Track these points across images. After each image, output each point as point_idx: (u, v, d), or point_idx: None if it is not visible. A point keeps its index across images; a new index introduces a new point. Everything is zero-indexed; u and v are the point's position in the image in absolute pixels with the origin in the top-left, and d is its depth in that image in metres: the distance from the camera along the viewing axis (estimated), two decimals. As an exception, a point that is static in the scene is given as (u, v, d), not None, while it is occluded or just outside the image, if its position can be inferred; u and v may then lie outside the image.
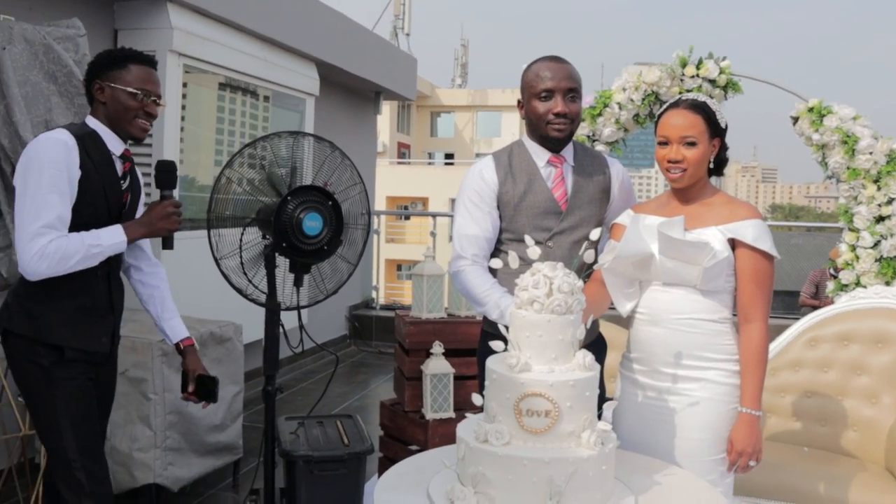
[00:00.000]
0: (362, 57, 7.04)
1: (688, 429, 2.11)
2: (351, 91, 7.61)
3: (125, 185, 2.37)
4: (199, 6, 4.55)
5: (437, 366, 3.58)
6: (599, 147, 4.44)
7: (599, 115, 4.39)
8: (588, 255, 1.79)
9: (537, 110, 2.37)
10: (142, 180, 2.55)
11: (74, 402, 2.25)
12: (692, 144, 2.12)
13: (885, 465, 3.11)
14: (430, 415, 3.59)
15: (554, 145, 2.40)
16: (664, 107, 2.22)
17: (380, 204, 26.23)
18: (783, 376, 3.42)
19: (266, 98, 5.68)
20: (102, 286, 2.34)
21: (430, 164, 34.66)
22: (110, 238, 2.23)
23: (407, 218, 26.27)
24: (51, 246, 2.11)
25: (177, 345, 2.61)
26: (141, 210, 2.48)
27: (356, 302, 7.86)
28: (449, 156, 36.34)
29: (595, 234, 1.88)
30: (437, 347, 3.60)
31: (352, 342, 7.67)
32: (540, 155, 2.43)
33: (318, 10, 6.27)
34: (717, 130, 2.16)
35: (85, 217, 2.22)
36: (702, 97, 2.20)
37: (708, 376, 2.12)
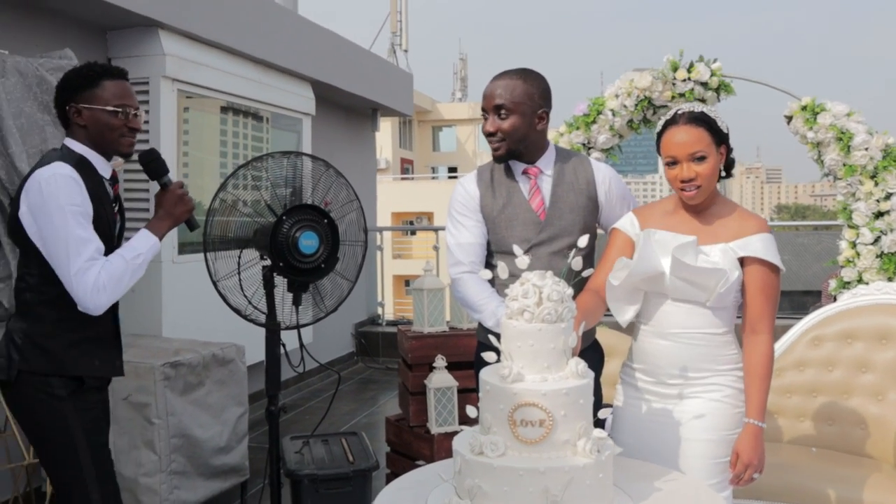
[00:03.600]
0: (357, 75, 7.08)
1: (695, 430, 2.09)
2: (348, 109, 7.65)
3: (116, 207, 2.35)
4: (191, 32, 4.58)
5: (441, 379, 3.57)
6: (595, 154, 4.44)
7: (593, 122, 4.40)
8: (576, 263, 1.79)
9: (482, 128, 2.44)
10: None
11: (95, 432, 2.24)
12: (702, 159, 2.08)
13: (894, 463, 3.08)
14: (435, 429, 3.58)
15: (498, 161, 2.44)
16: (662, 123, 2.17)
17: (384, 220, 26.30)
18: (788, 377, 3.40)
19: (266, 119, 5.71)
20: (108, 312, 2.28)
21: (433, 178, 34.73)
22: (144, 244, 2.23)
23: (413, 233, 26.29)
24: (102, 276, 2.12)
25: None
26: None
27: (362, 319, 7.86)
28: (452, 169, 36.39)
29: (583, 241, 1.87)
30: (440, 361, 3.59)
31: (358, 359, 7.67)
32: (516, 166, 2.45)
33: (311, 30, 6.30)
34: (721, 137, 2.12)
35: None
36: (698, 107, 2.15)
37: (715, 381, 2.12)
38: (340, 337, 7.41)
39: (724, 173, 2.18)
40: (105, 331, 2.31)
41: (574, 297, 1.77)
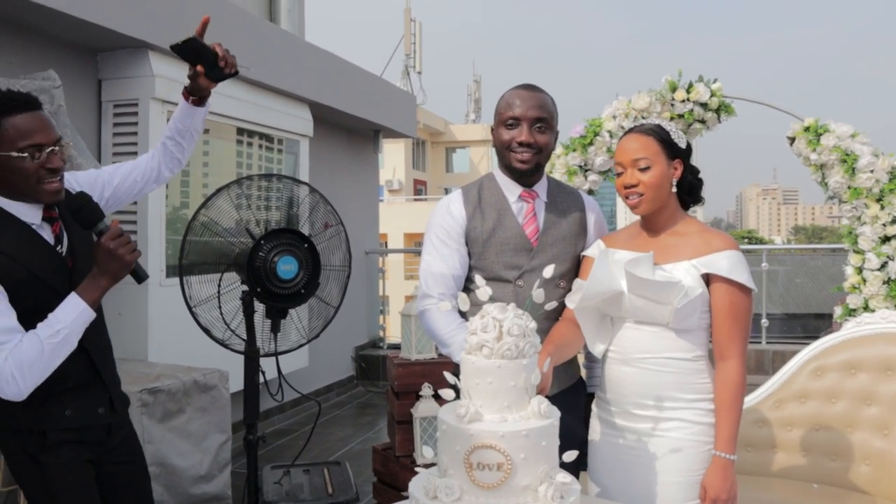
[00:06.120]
0: (358, 96, 7.02)
1: (663, 472, 1.98)
2: (349, 131, 7.59)
3: (63, 248, 2.04)
4: (182, 52, 4.53)
5: (427, 408, 3.46)
6: (592, 177, 4.34)
7: (590, 144, 4.30)
8: (538, 295, 1.68)
9: (503, 137, 2.27)
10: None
11: (68, 491, 2.01)
12: (647, 168, 2.03)
13: (899, 500, 2.93)
14: (420, 460, 3.46)
15: (518, 176, 2.30)
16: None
17: (397, 241, 26.26)
18: (789, 409, 3.26)
19: (261, 141, 5.64)
20: (80, 361, 2.05)
21: (446, 199, 34.68)
22: (69, 314, 1.89)
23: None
24: (7, 365, 1.82)
25: (187, 96, 2.34)
26: None
27: (362, 342, 7.75)
28: (465, 190, 36.34)
29: (548, 271, 1.77)
30: (427, 389, 3.49)
31: (358, 383, 7.55)
32: (511, 189, 2.32)
33: (307, 50, 6.25)
34: (675, 151, 2.06)
35: (31, 308, 1.91)
36: (656, 121, 2.11)
37: (682, 416, 2.00)
38: (340, 360, 7.30)
39: (675, 189, 2.08)
40: (79, 380, 2.06)
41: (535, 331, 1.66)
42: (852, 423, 3.13)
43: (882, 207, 3.95)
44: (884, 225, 3.96)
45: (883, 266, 3.98)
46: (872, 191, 3.96)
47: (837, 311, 4.20)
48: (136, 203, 4.31)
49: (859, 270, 4.07)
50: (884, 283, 3.96)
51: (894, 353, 3.14)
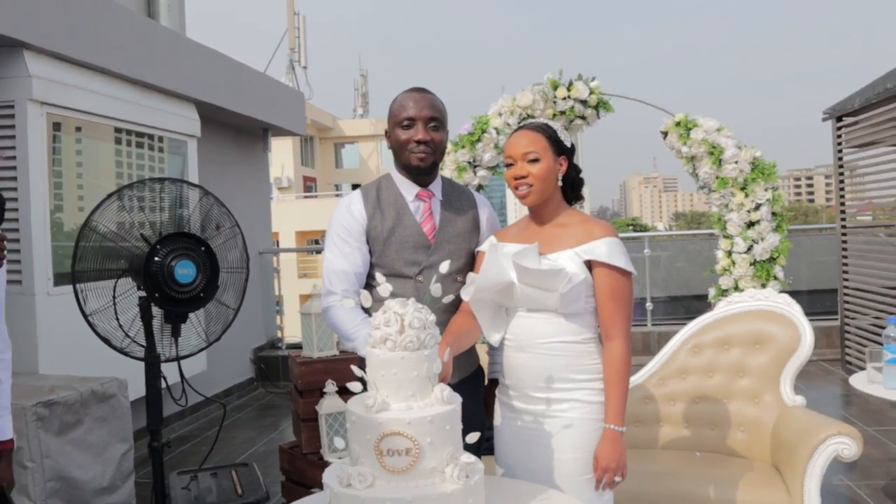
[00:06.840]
0: (245, 94, 6.94)
1: (562, 450, 2.13)
2: (237, 130, 7.49)
3: None
4: (60, 52, 4.38)
5: (332, 405, 3.52)
6: (481, 172, 4.49)
7: (478, 140, 4.45)
8: (436, 289, 1.79)
9: (400, 138, 2.37)
10: None
11: None
12: (535, 161, 2.19)
13: (771, 461, 3.21)
14: (328, 456, 3.52)
15: (416, 174, 2.40)
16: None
17: (289, 239, 25.91)
18: (672, 384, 3.50)
19: (147, 142, 5.51)
20: None
21: (337, 195, 34.45)
22: None
23: (319, 252, 25.97)
24: None
25: None
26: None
27: (261, 343, 7.69)
28: (356, 186, 36.20)
29: (444, 266, 1.88)
30: (330, 386, 3.54)
31: (258, 384, 7.49)
32: (408, 189, 2.42)
33: (190, 48, 6.13)
34: (561, 148, 2.22)
35: None
36: (544, 120, 2.27)
37: (576, 396, 2.15)
38: (239, 362, 7.23)
39: (560, 183, 2.24)
40: None
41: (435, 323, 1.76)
42: (728, 395, 3.39)
43: (746, 195, 4.28)
44: (748, 211, 4.30)
45: (749, 249, 4.31)
46: (737, 180, 4.29)
47: (711, 292, 4.51)
48: (17, 210, 4.16)
49: (729, 254, 4.39)
50: (750, 264, 4.30)
51: (761, 328, 3.42)
